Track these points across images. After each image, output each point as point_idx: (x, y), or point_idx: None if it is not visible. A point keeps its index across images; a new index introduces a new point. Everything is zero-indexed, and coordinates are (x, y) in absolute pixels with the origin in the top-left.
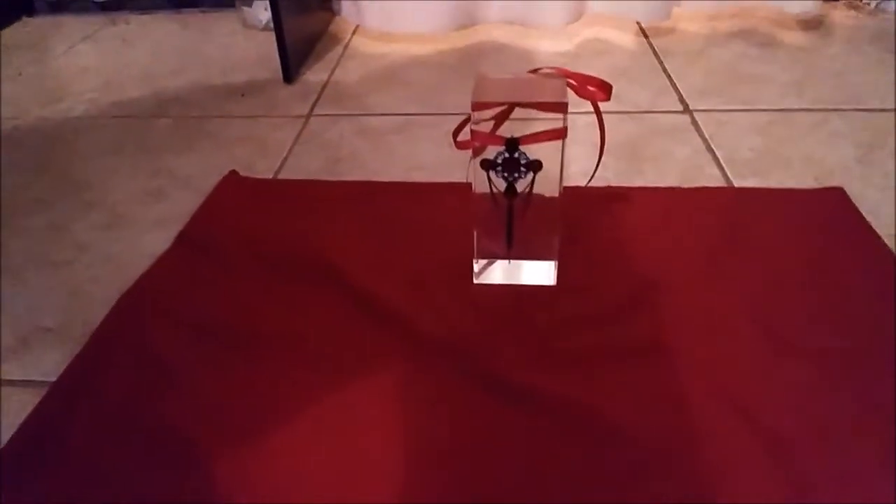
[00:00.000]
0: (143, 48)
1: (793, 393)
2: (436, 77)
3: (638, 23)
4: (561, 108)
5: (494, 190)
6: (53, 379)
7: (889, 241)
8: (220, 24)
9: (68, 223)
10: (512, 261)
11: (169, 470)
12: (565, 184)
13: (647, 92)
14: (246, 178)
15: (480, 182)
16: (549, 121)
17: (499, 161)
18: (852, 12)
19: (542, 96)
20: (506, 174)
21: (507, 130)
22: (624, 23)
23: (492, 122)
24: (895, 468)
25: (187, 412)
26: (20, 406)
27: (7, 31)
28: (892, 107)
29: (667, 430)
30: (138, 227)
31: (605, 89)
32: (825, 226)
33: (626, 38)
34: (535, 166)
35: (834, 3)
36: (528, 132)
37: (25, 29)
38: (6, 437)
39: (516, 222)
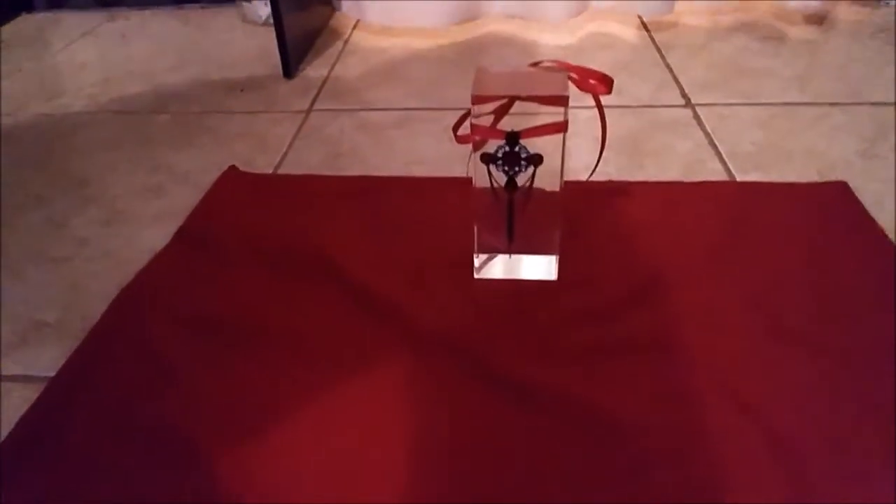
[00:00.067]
0: (142, 44)
1: (795, 389)
2: (436, 71)
3: (640, 17)
4: (562, 101)
5: (495, 184)
6: (52, 374)
7: (892, 235)
8: (220, 20)
9: (67, 219)
10: (513, 255)
11: (167, 466)
12: (566, 178)
13: (649, 86)
14: (245, 174)
15: (481, 176)
16: (549, 114)
17: (499, 155)
18: (856, 6)
19: (542, 90)
20: (506, 168)
21: (507, 124)
22: (626, 17)
23: (492, 116)
24: None
25: (186, 408)
26: (19, 401)
27: (6, 28)
28: (895, 100)
29: (668, 427)
30: (137, 222)
31: (607, 83)
32: (828, 220)
33: (628, 32)
34: (536, 160)
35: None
36: (528, 126)
37: (25, 25)
38: (5, 433)
39: (517, 217)
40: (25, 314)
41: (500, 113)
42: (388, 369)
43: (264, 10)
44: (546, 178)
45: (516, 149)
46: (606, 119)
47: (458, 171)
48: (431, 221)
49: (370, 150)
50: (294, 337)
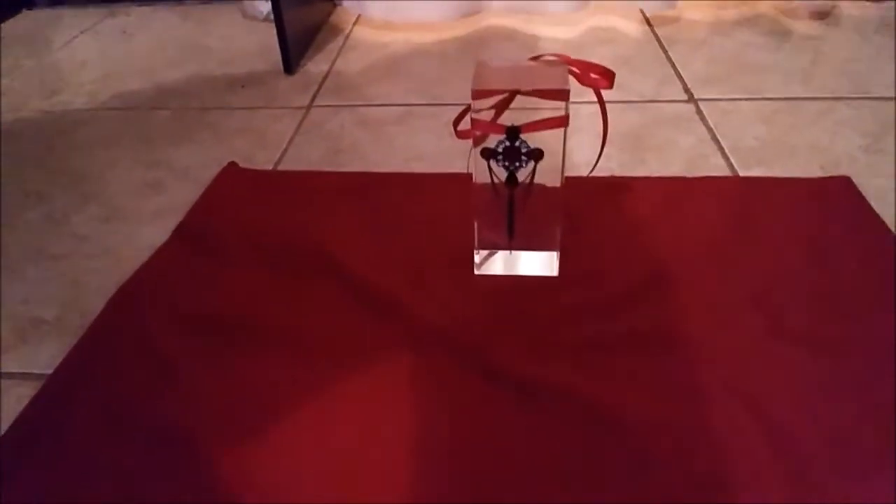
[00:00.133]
0: (143, 40)
1: (797, 386)
2: (437, 67)
3: (642, 11)
4: (562, 95)
5: (495, 180)
6: (51, 372)
7: (895, 230)
8: (221, 16)
9: (67, 216)
10: (513, 252)
11: (165, 463)
12: (568, 174)
13: (652, 81)
14: (245, 170)
15: (481, 172)
16: (551, 110)
17: (499, 150)
18: (859, 2)
19: (543, 84)
20: (507, 163)
21: (508, 119)
22: (628, 11)
23: (493, 111)
24: None
25: (184, 406)
26: (17, 399)
27: (6, 24)
28: None
29: (670, 425)
30: (137, 219)
31: (608, 77)
32: (831, 215)
33: (631, 27)
34: (537, 155)
35: None
36: (529, 120)
37: (25, 22)
38: (4, 429)
39: (518, 212)
40: (24, 311)
41: (501, 107)
42: (389, 366)
43: (265, 6)
44: (547, 174)
45: (517, 144)
46: (608, 114)
47: (458, 168)
48: (432, 218)
49: (370, 146)
50: (293, 334)
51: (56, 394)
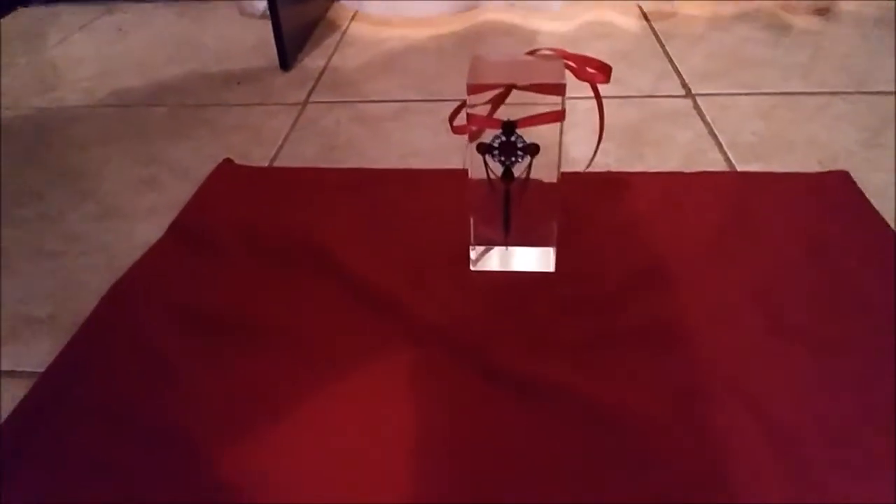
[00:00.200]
0: (139, 37)
1: (797, 382)
2: (434, 63)
3: (640, 6)
4: (559, 89)
5: (491, 175)
6: (43, 370)
7: (894, 225)
8: (218, 13)
9: (61, 213)
10: (509, 247)
11: (160, 462)
12: (565, 169)
13: (649, 76)
14: (240, 166)
15: (477, 167)
16: (547, 105)
17: (495, 145)
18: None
19: (539, 78)
20: (502, 158)
21: (504, 114)
22: (625, 6)
23: (489, 106)
24: None
25: (179, 404)
26: (10, 397)
27: (3, 21)
28: None
29: (669, 423)
30: (132, 216)
31: (605, 71)
32: (830, 210)
33: (628, 22)
34: (533, 150)
35: None
36: (525, 115)
37: (22, 19)
38: None
39: (514, 208)
40: (17, 309)
41: (497, 102)
42: (385, 364)
43: (262, 4)
44: (543, 169)
45: (513, 138)
46: (605, 109)
47: (454, 163)
48: (428, 214)
49: (367, 142)
50: (290, 331)
51: (48, 392)
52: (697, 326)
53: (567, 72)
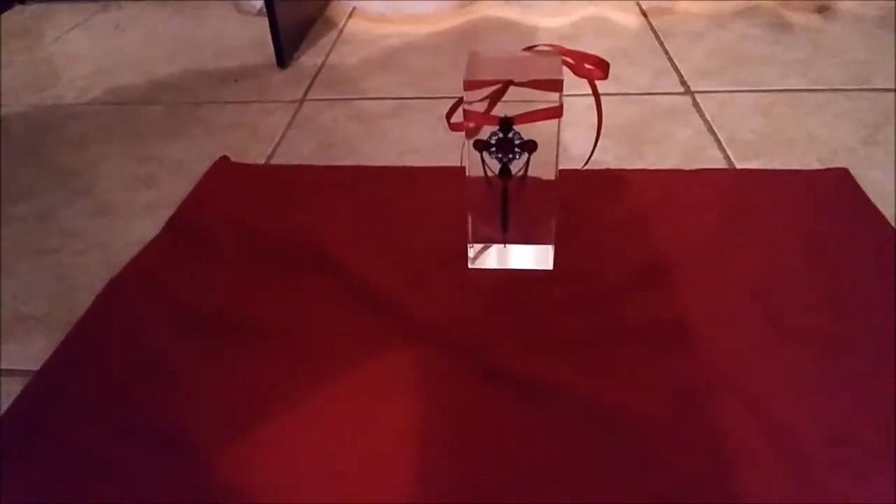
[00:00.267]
0: (136, 34)
1: (796, 380)
2: (432, 60)
3: (638, 3)
4: (556, 85)
5: (489, 172)
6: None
7: (894, 223)
8: (214, 10)
9: (56, 211)
10: (508, 245)
11: (156, 460)
12: (563, 167)
13: (648, 73)
14: (237, 164)
15: (474, 165)
16: (545, 102)
17: (492, 141)
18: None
19: (537, 74)
20: (500, 155)
21: (501, 111)
22: (624, 3)
23: (486, 102)
24: None
25: (174, 402)
26: (5, 395)
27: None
28: None
29: (668, 421)
30: (127, 214)
31: (603, 67)
32: (829, 207)
33: (627, 19)
34: (530, 146)
35: None
36: (523, 112)
37: (18, 16)
38: None
39: (512, 206)
40: (11, 307)
41: (494, 99)
42: (383, 363)
43: (258, 1)
44: (541, 167)
45: (510, 135)
46: (603, 106)
47: (453, 161)
48: (426, 211)
49: (364, 139)
50: (286, 329)
51: (43, 390)
52: (697, 325)
53: (565, 68)
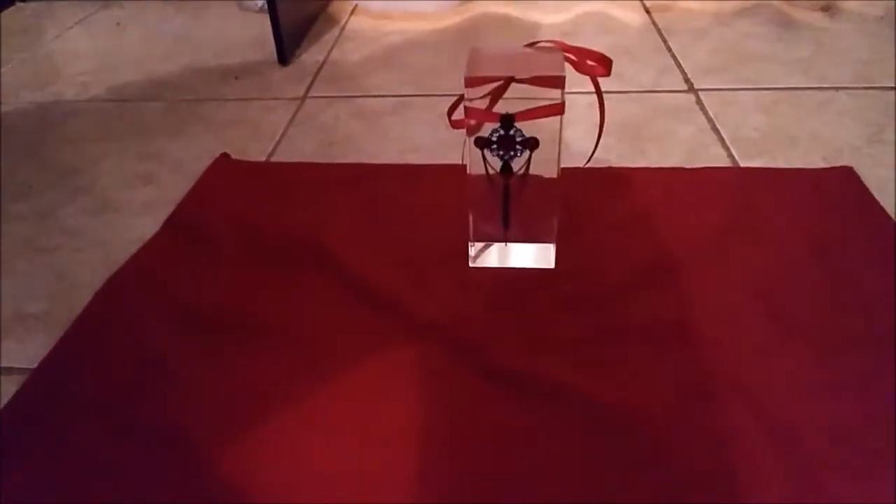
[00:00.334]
0: (137, 32)
1: (800, 379)
2: (434, 57)
3: (641, 0)
4: (558, 82)
5: (490, 170)
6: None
7: None
8: (216, 8)
9: (56, 208)
10: (509, 244)
11: (154, 459)
12: (565, 165)
13: (651, 71)
14: (237, 161)
15: (476, 162)
16: (547, 100)
17: (494, 139)
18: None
19: (538, 70)
20: (501, 152)
21: (503, 108)
22: (627, 0)
23: (487, 99)
24: None
25: (173, 400)
26: (3, 394)
27: (2, 16)
28: None
29: (669, 418)
30: (127, 211)
31: (606, 64)
32: (834, 206)
33: (629, 16)
34: (532, 144)
35: None
36: (524, 109)
37: (19, 14)
38: None
39: (513, 204)
40: (10, 305)
41: (496, 95)
42: (383, 361)
43: None
44: (543, 165)
45: (511, 132)
46: (606, 104)
47: (453, 159)
48: (427, 209)
49: (365, 137)
50: (286, 327)
51: (41, 388)
52: (699, 324)
53: (567, 65)
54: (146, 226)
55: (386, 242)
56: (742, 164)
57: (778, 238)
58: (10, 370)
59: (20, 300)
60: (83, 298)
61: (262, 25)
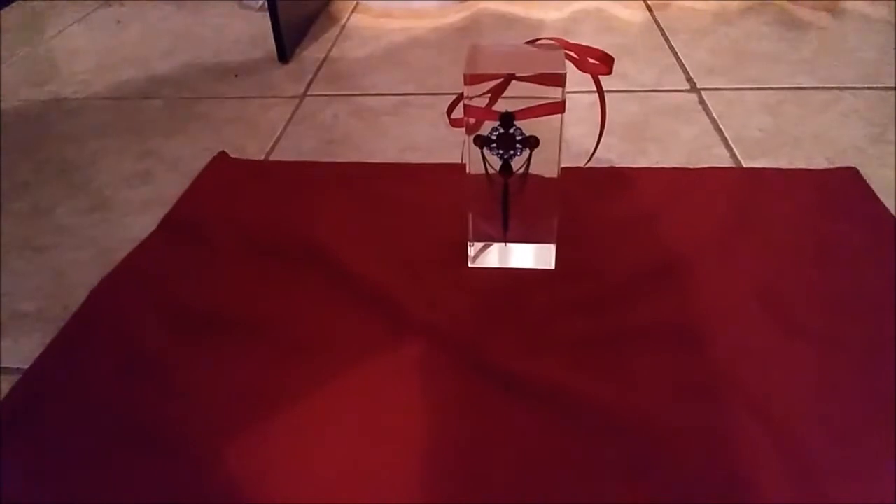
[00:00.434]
0: (137, 29)
1: (803, 382)
2: (435, 55)
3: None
4: (559, 79)
5: (490, 169)
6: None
7: None
8: (216, 6)
9: (52, 206)
10: (509, 244)
11: (148, 460)
12: (566, 164)
13: (653, 70)
14: (236, 160)
15: (475, 161)
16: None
17: (493, 137)
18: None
19: (539, 68)
20: (500, 151)
21: (503, 106)
22: None
23: (487, 97)
24: None
25: (167, 400)
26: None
27: (2, 13)
28: None
29: (670, 419)
30: (123, 210)
31: (607, 62)
32: (838, 207)
33: (632, 14)
34: (532, 142)
35: None
36: (525, 107)
37: (20, 11)
38: None
39: (513, 204)
40: (5, 304)
41: (496, 93)
42: (381, 362)
43: None
44: (544, 164)
45: (511, 130)
46: (607, 103)
47: (454, 157)
48: (426, 209)
49: (365, 135)
50: (283, 328)
51: (33, 387)
52: (700, 325)
53: (568, 63)
54: (143, 224)
55: (385, 242)
56: (745, 165)
57: (781, 239)
58: (5, 370)
59: (15, 299)
60: (79, 297)
61: (263, 24)
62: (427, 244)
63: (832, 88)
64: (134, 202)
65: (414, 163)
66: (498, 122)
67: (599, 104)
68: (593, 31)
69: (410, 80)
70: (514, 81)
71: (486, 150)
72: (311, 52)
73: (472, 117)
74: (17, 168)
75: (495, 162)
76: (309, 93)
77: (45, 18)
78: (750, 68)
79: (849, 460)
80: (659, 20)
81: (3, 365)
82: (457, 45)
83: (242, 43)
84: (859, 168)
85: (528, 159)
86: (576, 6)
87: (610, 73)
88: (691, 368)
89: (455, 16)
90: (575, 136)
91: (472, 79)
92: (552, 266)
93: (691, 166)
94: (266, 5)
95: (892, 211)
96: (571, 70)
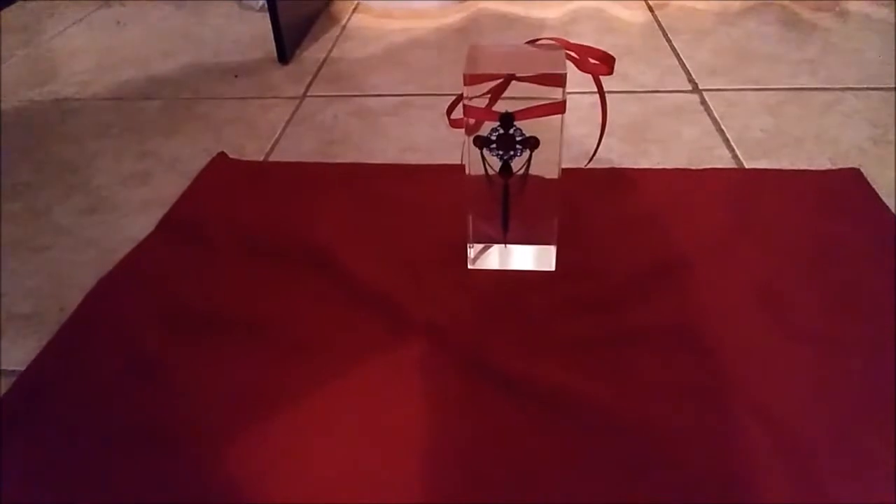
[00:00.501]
0: (137, 30)
1: (804, 383)
2: (435, 56)
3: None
4: (559, 79)
5: (489, 170)
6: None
7: None
8: (217, 7)
9: (49, 207)
10: (509, 245)
11: (145, 461)
12: (566, 165)
13: (655, 70)
14: (235, 161)
15: (475, 162)
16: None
17: (493, 138)
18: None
19: (539, 68)
20: (500, 152)
21: (503, 106)
22: None
23: (487, 97)
24: None
25: (164, 401)
26: None
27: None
28: None
29: (671, 420)
30: (122, 210)
31: (608, 62)
32: (841, 208)
33: (633, 14)
34: (532, 143)
35: None
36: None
37: (20, 12)
38: None
39: (513, 205)
40: (2, 306)
41: (496, 93)
42: (380, 363)
43: None
44: (544, 165)
45: (511, 131)
46: (608, 104)
47: (454, 158)
48: (425, 210)
49: (365, 136)
50: (283, 329)
51: (28, 390)
52: (702, 327)
53: (569, 64)
54: (142, 225)
55: (385, 243)
56: (747, 166)
57: (783, 240)
58: (3, 372)
59: (12, 300)
60: (76, 299)
61: (263, 24)
62: (427, 245)
63: (834, 89)
64: (133, 202)
65: (414, 163)
66: (498, 123)
67: (600, 105)
68: (594, 31)
69: (411, 80)
70: (514, 82)
71: (485, 151)
72: (312, 53)
73: (472, 118)
74: (17, 168)
75: (495, 163)
76: (309, 93)
77: (45, 18)
78: (752, 69)
79: (849, 460)
80: (660, 20)
81: (2, 367)
82: (457, 46)
83: (242, 43)
84: (861, 169)
85: (529, 160)
86: (576, 6)
87: (611, 73)
88: (691, 369)
89: (455, 16)
90: (575, 136)
91: (471, 79)
92: (552, 268)
93: (693, 167)
94: (266, 6)
95: (895, 212)
96: (572, 70)
